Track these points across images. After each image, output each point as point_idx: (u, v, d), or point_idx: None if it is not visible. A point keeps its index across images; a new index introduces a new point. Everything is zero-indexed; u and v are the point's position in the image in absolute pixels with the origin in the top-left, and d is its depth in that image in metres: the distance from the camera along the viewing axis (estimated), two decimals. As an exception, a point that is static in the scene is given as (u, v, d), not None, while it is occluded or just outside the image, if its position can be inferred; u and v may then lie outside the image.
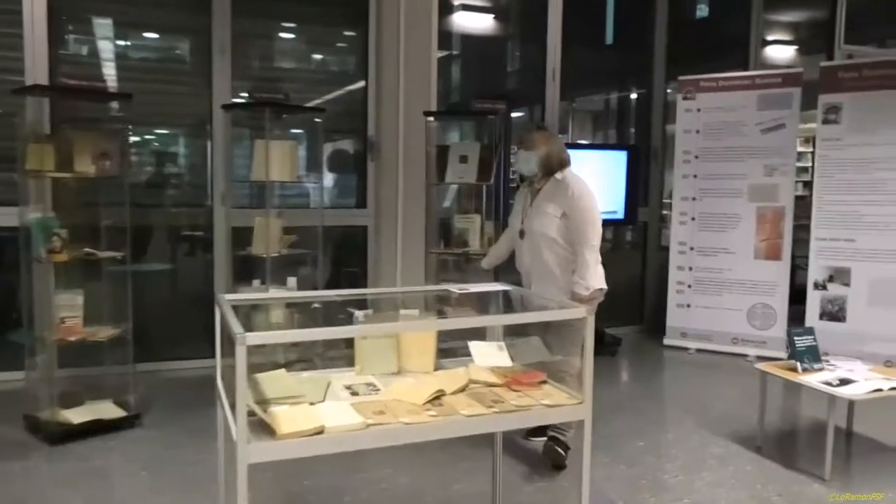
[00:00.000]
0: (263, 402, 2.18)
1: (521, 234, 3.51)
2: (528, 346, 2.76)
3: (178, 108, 5.22)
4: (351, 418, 2.05)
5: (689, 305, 5.88)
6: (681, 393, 4.80)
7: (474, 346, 2.72)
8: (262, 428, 1.96)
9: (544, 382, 2.48)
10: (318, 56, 5.81)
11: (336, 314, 2.53)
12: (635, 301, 6.68)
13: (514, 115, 6.78)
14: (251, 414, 1.94)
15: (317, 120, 4.59)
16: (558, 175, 3.43)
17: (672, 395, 4.82)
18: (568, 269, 3.40)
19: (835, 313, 5.22)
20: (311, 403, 2.18)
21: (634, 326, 6.56)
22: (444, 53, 5.96)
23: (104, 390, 4.02)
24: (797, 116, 5.48)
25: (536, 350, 2.71)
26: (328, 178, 5.68)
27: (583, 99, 7.37)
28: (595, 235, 3.35)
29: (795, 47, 7.81)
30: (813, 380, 3.49)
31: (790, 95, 5.48)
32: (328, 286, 5.52)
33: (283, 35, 5.60)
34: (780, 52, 7.68)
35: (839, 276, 5.21)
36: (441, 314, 2.72)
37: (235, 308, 2.33)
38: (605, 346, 5.67)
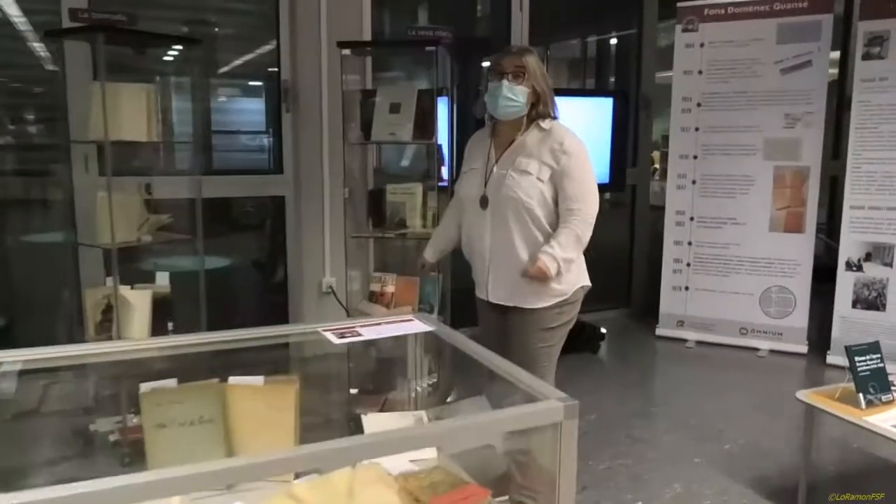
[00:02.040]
0: None
1: (483, 202, 2.38)
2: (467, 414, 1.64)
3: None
4: None
5: (687, 288, 4.81)
6: (682, 408, 3.75)
7: (371, 420, 1.61)
8: None
9: (487, 510, 1.38)
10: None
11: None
12: (621, 279, 5.61)
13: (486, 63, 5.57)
14: None
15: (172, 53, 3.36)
16: (545, 123, 2.34)
17: (671, 411, 3.76)
18: None
19: (872, 300, 4.17)
20: None
21: (620, 310, 5.50)
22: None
23: None
24: (827, 52, 4.34)
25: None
26: (230, 137, 4.47)
27: (558, 45, 6.17)
28: (594, 208, 2.34)
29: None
30: (884, 422, 2.44)
31: (819, 24, 4.32)
32: (228, 280, 4.38)
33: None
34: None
35: (879, 254, 4.14)
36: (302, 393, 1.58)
37: None
38: (585, 341, 4.60)
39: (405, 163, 4.65)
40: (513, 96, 2.30)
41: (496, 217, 2.36)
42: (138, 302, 3.09)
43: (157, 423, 1.38)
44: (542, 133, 2.34)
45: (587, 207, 2.31)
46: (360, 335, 1.50)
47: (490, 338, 2.59)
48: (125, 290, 3.10)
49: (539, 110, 2.35)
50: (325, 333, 1.51)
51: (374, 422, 1.58)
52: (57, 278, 3.91)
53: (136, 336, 3.09)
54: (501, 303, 2.43)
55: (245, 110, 4.61)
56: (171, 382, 1.41)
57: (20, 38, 3.90)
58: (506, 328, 2.46)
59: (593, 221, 2.32)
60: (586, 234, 2.31)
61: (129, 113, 2.91)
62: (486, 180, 2.39)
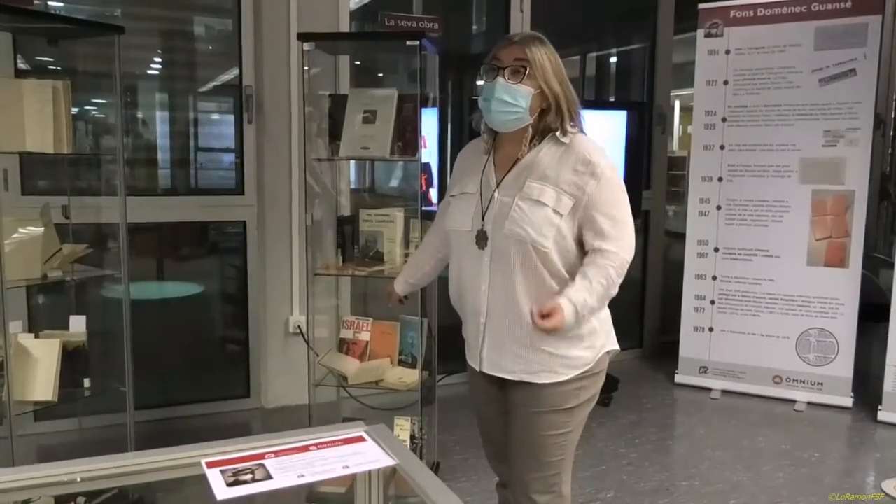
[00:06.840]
0: None
1: (481, 239, 1.77)
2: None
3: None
4: None
5: (711, 329, 4.19)
6: (715, 480, 3.11)
7: None
8: None
9: None
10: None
11: None
12: (632, 315, 4.98)
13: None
14: None
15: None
16: (562, 134, 1.74)
17: (703, 486, 3.11)
18: None
19: (933, 348, 3.56)
20: None
21: (632, 351, 4.87)
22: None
23: None
24: (875, 59, 3.78)
25: None
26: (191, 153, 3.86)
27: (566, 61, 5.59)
28: (632, 251, 1.76)
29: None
30: None
31: (864, 27, 3.75)
32: (181, 315, 3.76)
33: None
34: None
35: (941, 293, 3.56)
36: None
37: None
38: (595, 391, 3.97)
39: (387, 184, 4.07)
40: (510, 99, 1.70)
41: (497, 261, 1.75)
42: (43, 354, 2.47)
43: None
44: (559, 148, 1.74)
45: (624, 250, 1.72)
46: (265, 476, 0.88)
47: (487, 418, 1.98)
48: (26, 339, 2.48)
49: (549, 121, 1.74)
50: (210, 472, 0.89)
51: None
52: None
53: (39, 396, 2.47)
54: (500, 376, 1.81)
55: (205, 121, 4.01)
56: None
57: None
58: (507, 407, 1.85)
59: (627, 267, 1.73)
60: (619, 280, 1.72)
61: (31, 116, 2.30)
62: (483, 210, 1.79)
